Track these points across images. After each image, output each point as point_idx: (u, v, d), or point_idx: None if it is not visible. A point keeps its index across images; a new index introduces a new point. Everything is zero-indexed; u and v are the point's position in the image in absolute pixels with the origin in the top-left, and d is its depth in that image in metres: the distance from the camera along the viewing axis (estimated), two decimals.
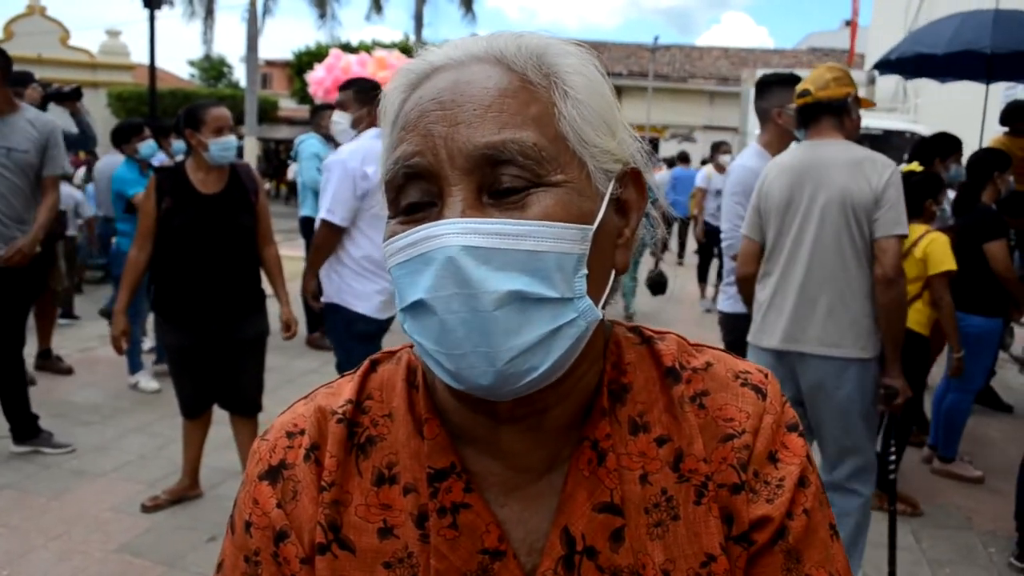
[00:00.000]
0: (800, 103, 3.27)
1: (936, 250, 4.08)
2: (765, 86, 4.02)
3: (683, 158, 15.80)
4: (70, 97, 6.20)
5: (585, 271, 0.72)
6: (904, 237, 3.07)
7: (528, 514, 0.79)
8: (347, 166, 3.83)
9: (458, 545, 0.77)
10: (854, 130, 3.22)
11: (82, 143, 6.62)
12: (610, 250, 0.78)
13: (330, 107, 7.67)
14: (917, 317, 4.11)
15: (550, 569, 0.77)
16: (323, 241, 3.95)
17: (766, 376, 0.86)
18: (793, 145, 3.54)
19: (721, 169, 9.48)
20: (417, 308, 0.69)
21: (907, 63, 6.21)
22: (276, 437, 0.85)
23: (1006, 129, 6.00)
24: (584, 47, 0.79)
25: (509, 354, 0.68)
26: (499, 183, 0.70)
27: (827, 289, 3.08)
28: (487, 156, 0.69)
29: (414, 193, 0.73)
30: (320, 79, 12.10)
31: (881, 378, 3.15)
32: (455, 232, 0.67)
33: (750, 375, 0.85)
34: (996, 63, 6.65)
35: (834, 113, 3.17)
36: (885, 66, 5.98)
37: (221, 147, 3.82)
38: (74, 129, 6.23)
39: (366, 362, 0.89)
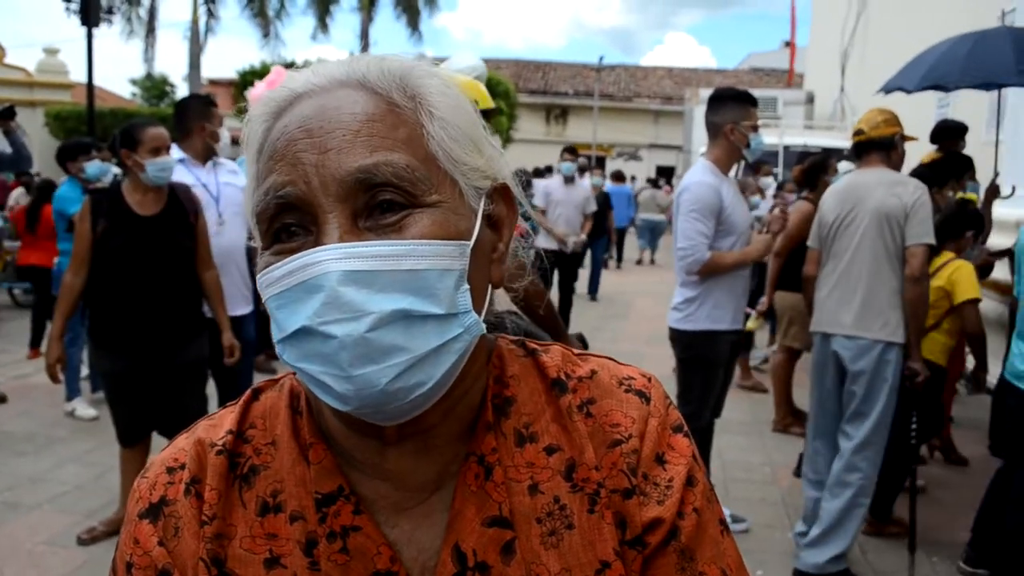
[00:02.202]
0: (855, 140, 3.88)
1: (962, 278, 4.28)
2: (718, 101, 4.02)
3: (617, 176, 17.11)
4: (2, 116, 6.03)
5: (467, 286, 0.73)
6: (931, 246, 3.65)
7: (419, 533, 0.79)
8: None
9: (350, 569, 0.77)
10: (899, 162, 3.87)
11: (15, 163, 6.45)
12: (486, 265, 0.79)
13: None
14: (932, 347, 4.25)
15: None
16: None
17: (649, 380, 0.88)
18: (846, 173, 4.06)
19: (761, 193, 8.35)
20: (300, 335, 0.69)
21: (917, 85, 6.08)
22: (156, 474, 0.83)
23: (936, 147, 6.15)
24: (444, 72, 0.81)
25: (396, 370, 0.68)
26: (374, 206, 0.70)
27: (862, 285, 3.70)
28: (361, 180, 0.69)
29: (287, 222, 0.72)
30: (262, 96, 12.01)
31: (906, 362, 3.72)
32: (335, 257, 0.67)
33: (633, 380, 0.87)
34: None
35: (883, 149, 3.81)
36: (895, 89, 5.94)
37: (158, 167, 3.73)
38: (8, 149, 6.06)
39: (248, 391, 0.88)
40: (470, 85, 3.59)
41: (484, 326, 0.76)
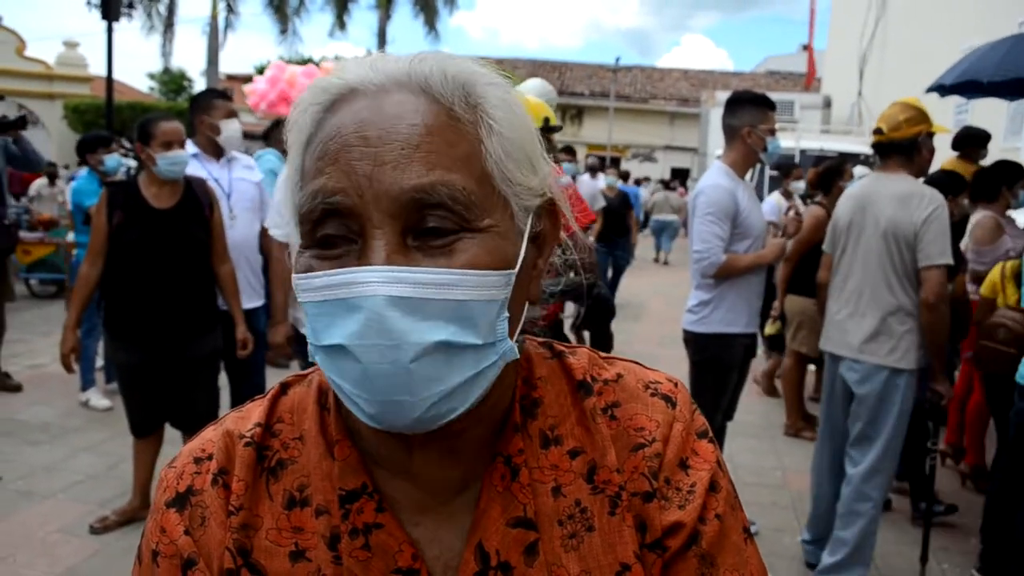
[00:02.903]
0: (875, 140, 3.63)
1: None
2: (736, 104, 3.98)
3: (623, 176, 16.89)
4: (13, 126, 6.10)
5: (507, 314, 0.72)
6: (948, 267, 3.36)
7: (443, 532, 0.79)
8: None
9: (371, 566, 0.77)
10: (925, 165, 3.61)
11: (26, 165, 6.56)
12: (526, 285, 0.78)
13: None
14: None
15: None
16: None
17: (676, 385, 0.88)
18: (863, 176, 3.88)
19: (789, 198, 7.78)
20: (336, 351, 0.68)
21: (958, 87, 6.06)
22: (183, 463, 0.84)
23: (957, 154, 6.11)
24: (510, 75, 0.79)
25: (430, 400, 0.68)
26: (425, 225, 0.68)
27: (872, 306, 3.51)
28: (415, 200, 0.67)
29: (332, 228, 0.70)
30: (263, 92, 11.92)
31: (930, 384, 3.56)
32: (380, 281, 0.65)
33: (660, 385, 0.87)
34: None
35: (903, 152, 3.54)
36: (938, 89, 5.93)
37: (169, 161, 3.75)
38: (16, 152, 6.17)
39: (276, 385, 0.88)
40: (539, 105, 3.68)
41: (517, 350, 0.75)
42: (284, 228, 3.72)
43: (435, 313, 0.66)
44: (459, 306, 0.67)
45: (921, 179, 3.63)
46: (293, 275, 0.72)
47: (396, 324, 0.65)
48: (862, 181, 3.81)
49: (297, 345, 4.16)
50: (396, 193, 0.67)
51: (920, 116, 3.52)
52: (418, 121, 0.69)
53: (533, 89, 3.96)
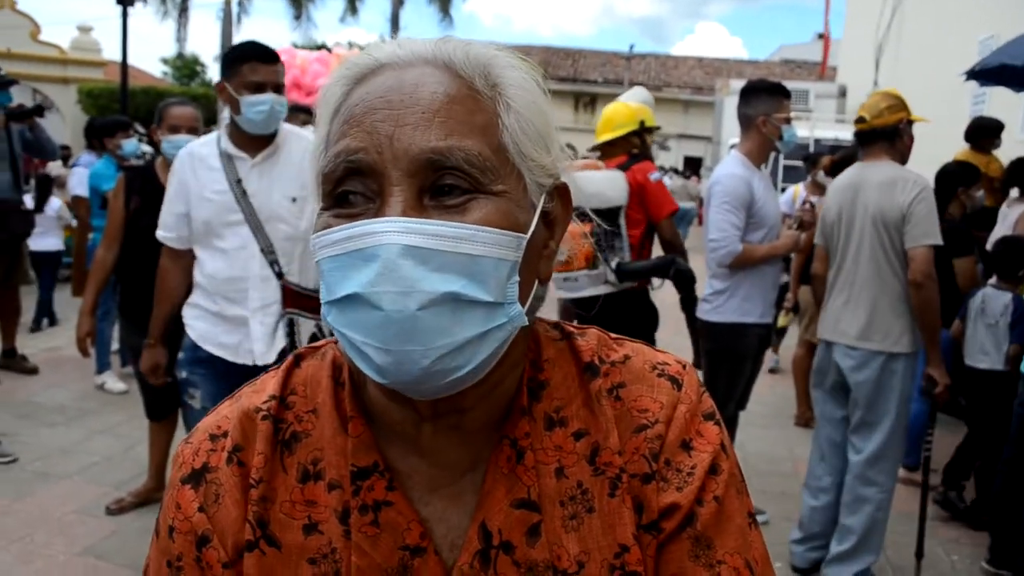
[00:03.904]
0: (857, 128, 3.65)
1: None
2: (751, 92, 3.99)
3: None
4: (31, 114, 6.14)
5: (517, 278, 0.74)
6: (935, 247, 3.36)
7: (450, 512, 0.81)
8: None
9: (379, 542, 0.78)
10: (906, 150, 3.62)
11: (40, 152, 6.62)
12: (536, 260, 0.80)
13: (303, 109, 7.59)
14: None
15: (467, 563, 0.78)
16: None
17: (684, 367, 0.88)
18: (853, 167, 3.76)
19: (821, 190, 6.97)
20: (349, 301, 0.69)
21: (991, 73, 6.03)
22: (199, 440, 0.85)
23: (970, 145, 6.07)
24: (528, 61, 0.81)
25: (438, 352, 0.69)
26: (441, 183, 0.71)
27: (865, 293, 3.51)
28: (432, 161, 0.70)
29: (352, 186, 0.73)
30: None
31: (925, 369, 3.57)
32: (396, 231, 0.68)
33: (668, 366, 0.88)
34: None
35: (886, 138, 3.56)
36: (972, 76, 5.90)
37: (172, 145, 3.78)
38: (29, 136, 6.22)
39: (290, 357, 0.89)
40: (640, 109, 4.35)
41: (527, 319, 0.77)
42: (174, 230, 3.11)
43: (447, 265, 0.68)
44: (470, 261, 0.69)
45: (904, 165, 3.58)
46: (312, 235, 0.74)
47: (409, 272, 0.67)
48: (848, 171, 3.79)
49: (192, 367, 3.15)
50: (415, 153, 0.70)
51: (901, 104, 3.57)
52: (440, 90, 0.73)
53: (635, 96, 4.47)
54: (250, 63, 2.94)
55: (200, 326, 3.09)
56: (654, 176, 4.21)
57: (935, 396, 3.59)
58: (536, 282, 0.80)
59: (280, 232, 2.98)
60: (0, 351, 6.45)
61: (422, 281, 0.67)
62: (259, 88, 2.91)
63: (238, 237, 2.98)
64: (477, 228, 0.70)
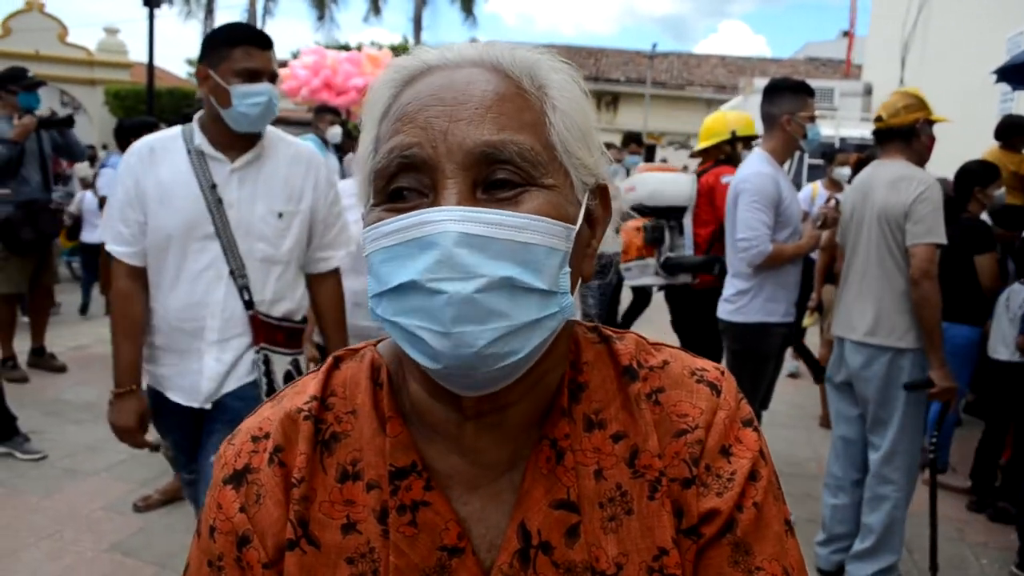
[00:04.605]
0: (875, 127, 3.65)
1: None
2: (775, 91, 3.96)
3: (634, 140, 16.44)
4: (61, 124, 6.27)
5: (568, 269, 0.75)
6: (938, 245, 3.33)
7: (488, 511, 0.81)
8: None
9: (417, 542, 0.79)
10: (925, 150, 3.58)
11: (69, 155, 6.77)
12: (581, 256, 0.81)
13: (331, 110, 7.63)
14: None
15: (506, 563, 0.79)
16: None
17: (722, 373, 0.88)
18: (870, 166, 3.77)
19: (837, 187, 6.81)
20: (404, 289, 0.70)
21: (1019, 70, 5.95)
22: (242, 441, 0.86)
23: (1000, 143, 5.99)
24: (571, 65, 0.83)
25: (494, 333, 0.70)
26: (494, 177, 0.72)
27: (872, 290, 3.52)
28: (486, 154, 0.72)
29: (406, 182, 0.74)
30: (304, 78, 11.88)
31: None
32: (453, 219, 0.69)
33: (706, 372, 0.88)
34: None
35: (902, 138, 3.53)
36: (1001, 74, 5.85)
37: None
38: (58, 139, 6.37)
39: (329, 359, 0.91)
40: (738, 118, 4.72)
41: (577, 312, 0.78)
42: (133, 243, 2.53)
43: (503, 253, 0.70)
44: (525, 249, 0.71)
45: (922, 165, 3.54)
46: (362, 230, 0.76)
47: (466, 259, 0.69)
48: (864, 170, 3.77)
49: (157, 418, 2.84)
50: (470, 146, 0.71)
51: (919, 104, 3.54)
52: (490, 88, 0.75)
53: (732, 106, 4.81)
54: (243, 47, 2.44)
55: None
56: (726, 179, 4.36)
57: (937, 398, 3.50)
58: (580, 280, 0.81)
59: (257, 252, 2.51)
60: (29, 349, 6.53)
61: (479, 266, 0.69)
62: (254, 76, 2.45)
63: (205, 255, 2.48)
64: (531, 217, 0.72)
